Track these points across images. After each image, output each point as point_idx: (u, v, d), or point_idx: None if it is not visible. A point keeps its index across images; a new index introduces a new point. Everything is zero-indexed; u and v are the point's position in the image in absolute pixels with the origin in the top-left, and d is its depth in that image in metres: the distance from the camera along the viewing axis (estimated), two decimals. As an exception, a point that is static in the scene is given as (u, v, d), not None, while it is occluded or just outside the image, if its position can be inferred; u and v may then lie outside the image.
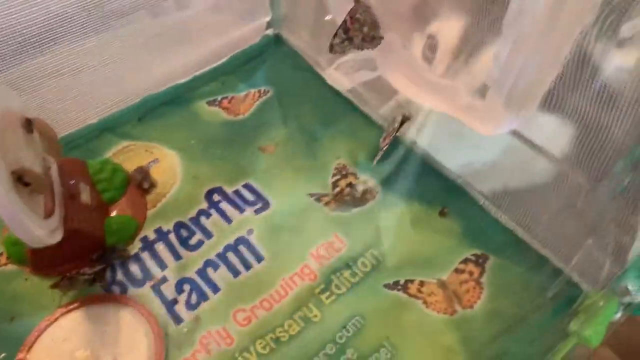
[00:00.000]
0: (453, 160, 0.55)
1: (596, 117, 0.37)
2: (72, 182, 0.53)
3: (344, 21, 0.49)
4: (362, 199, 0.54)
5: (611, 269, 0.43)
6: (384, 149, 0.54)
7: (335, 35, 0.50)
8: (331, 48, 0.51)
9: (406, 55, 0.53)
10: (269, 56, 0.70)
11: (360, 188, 0.55)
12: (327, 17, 0.62)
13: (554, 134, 0.42)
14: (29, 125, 0.48)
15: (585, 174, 0.41)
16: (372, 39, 0.51)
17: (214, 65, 0.68)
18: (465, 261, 0.50)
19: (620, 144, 0.37)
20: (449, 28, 0.49)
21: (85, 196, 0.52)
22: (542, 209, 0.48)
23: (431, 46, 0.52)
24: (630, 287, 0.39)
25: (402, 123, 0.54)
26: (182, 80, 0.66)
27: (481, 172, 0.53)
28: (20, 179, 0.43)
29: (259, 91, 0.65)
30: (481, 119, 0.46)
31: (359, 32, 0.50)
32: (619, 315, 0.40)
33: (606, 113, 0.36)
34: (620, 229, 0.41)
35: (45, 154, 0.50)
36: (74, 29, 0.54)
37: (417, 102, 0.52)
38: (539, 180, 0.48)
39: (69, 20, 0.54)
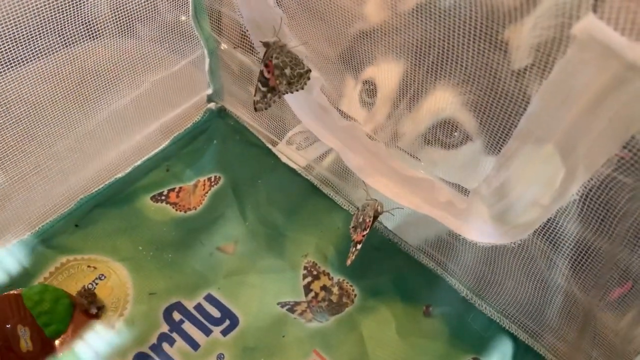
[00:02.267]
0: (430, 248, 0.52)
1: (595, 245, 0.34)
2: (8, 326, 0.46)
3: (260, 72, 0.44)
4: (339, 304, 0.50)
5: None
6: (358, 247, 0.50)
7: (256, 91, 0.44)
8: (255, 107, 0.45)
9: (372, 145, 0.49)
10: (214, 133, 0.64)
11: (335, 290, 0.51)
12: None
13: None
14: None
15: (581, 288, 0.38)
16: (300, 77, 0.45)
17: (155, 150, 0.62)
18: (461, 371, 0.47)
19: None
20: (386, 72, 0.46)
21: (25, 342, 0.46)
22: (531, 304, 0.46)
23: (368, 91, 0.48)
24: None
25: (374, 217, 0.50)
26: (121, 174, 0.59)
27: (459, 260, 0.51)
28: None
29: (209, 179, 0.59)
30: (464, 223, 0.43)
31: (281, 77, 0.44)
32: None
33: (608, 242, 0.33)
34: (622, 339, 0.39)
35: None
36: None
37: (389, 197, 0.48)
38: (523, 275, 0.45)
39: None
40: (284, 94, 0.45)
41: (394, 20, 0.42)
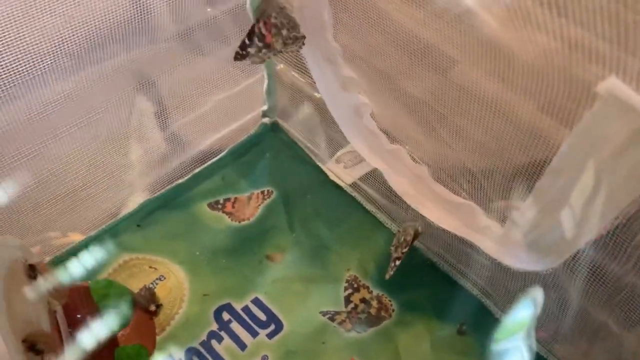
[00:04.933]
0: (469, 269, 0.54)
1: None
2: (78, 316, 0.51)
3: (257, 28, 0.44)
4: (377, 317, 0.54)
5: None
6: (397, 264, 0.53)
7: (249, 45, 0.45)
8: (242, 56, 0.45)
9: (416, 167, 0.53)
10: (267, 146, 0.69)
11: (374, 304, 0.54)
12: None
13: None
14: (33, 271, 0.46)
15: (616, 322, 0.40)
16: (295, 40, 0.46)
17: (213, 160, 0.67)
18: (489, 388, 0.49)
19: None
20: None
21: (92, 332, 0.50)
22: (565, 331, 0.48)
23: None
24: None
25: (414, 237, 0.53)
26: (181, 180, 0.64)
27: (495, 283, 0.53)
28: (32, 347, 0.41)
29: (262, 192, 0.64)
30: (501, 248, 0.46)
31: (278, 36, 0.45)
32: None
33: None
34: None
35: (50, 298, 0.48)
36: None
37: (431, 219, 0.51)
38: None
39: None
40: (279, 52, 0.46)
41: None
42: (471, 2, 0.29)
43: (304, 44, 0.46)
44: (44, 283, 0.47)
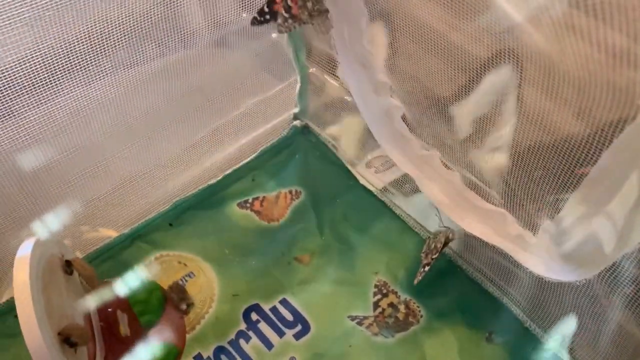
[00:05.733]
0: (500, 277, 0.54)
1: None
2: (110, 310, 0.52)
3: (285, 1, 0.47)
4: (405, 322, 0.53)
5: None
6: (426, 269, 0.53)
7: (269, 14, 0.48)
8: (260, 22, 0.48)
9: (447, 174, 0.52)
10: (297, 148, 0.69)
11: (402, 309, 0.54)
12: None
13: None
14: (69, 267, 0.47)
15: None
16: (320, 14, 0.48)
17: (244, 161, 0.67)
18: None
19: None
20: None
21: (124, 327, 0.51)
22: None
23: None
24: None
25: (445, 244, 0.52)
26: (213, 181, 0.65)
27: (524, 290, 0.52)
28: (67, 340, 0.42)
29: (290, 192, 0.64)
30: (531, 257, 0.45)
31: (304, 8, 0.48)
32: None
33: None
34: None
35: (84, 292, 0.49)
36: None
37: (462, 226, 0.51)
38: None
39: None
40: (304, 23, 0.48)
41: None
42: (518, 17, 0.29)
43: (328, 17, 0.48)
44: (79, 276, 0.48)
